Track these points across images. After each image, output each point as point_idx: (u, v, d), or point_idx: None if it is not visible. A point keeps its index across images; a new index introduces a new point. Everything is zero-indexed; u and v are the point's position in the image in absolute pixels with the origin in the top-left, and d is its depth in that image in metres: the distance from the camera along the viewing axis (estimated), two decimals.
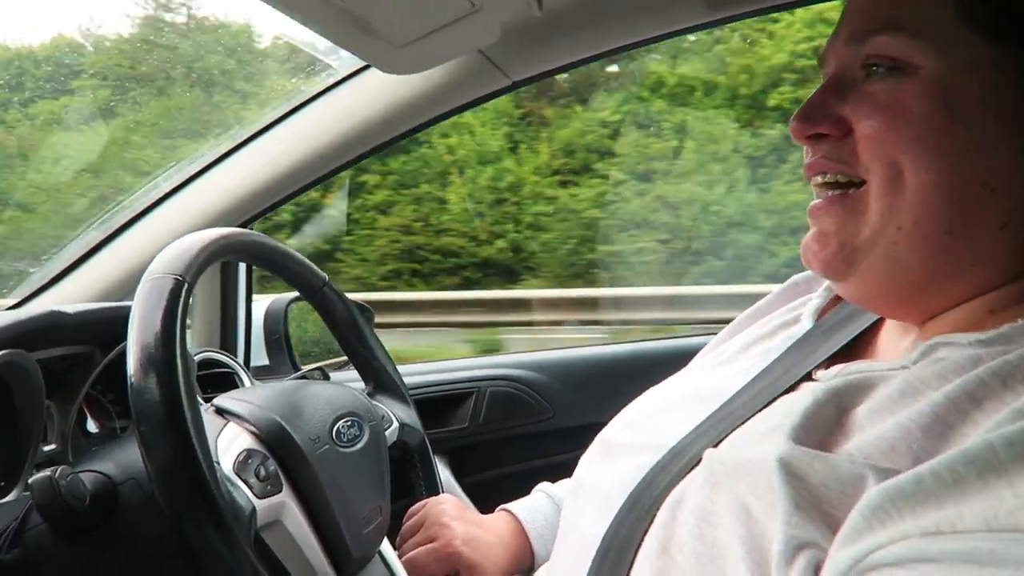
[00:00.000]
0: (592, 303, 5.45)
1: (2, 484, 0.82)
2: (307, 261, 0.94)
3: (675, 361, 0.82)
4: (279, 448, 0.75)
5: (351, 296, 1.00)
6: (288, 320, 1.50)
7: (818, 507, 0.43)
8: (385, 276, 5.66)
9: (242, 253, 0.85)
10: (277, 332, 1.49)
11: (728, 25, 1.20)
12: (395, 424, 0.96)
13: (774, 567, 0.42)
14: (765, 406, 0.58)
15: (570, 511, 0.69)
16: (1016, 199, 0.50)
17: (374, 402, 0.95)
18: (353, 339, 1.00)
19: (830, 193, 0.56)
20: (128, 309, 0.68)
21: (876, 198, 0.52)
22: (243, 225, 1.33)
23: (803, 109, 0.56)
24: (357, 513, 0.80)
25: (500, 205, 5.83)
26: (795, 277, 0.78)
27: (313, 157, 1.27)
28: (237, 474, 0.70)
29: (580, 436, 0.74)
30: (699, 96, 5.49)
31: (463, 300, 5.58)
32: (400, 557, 0.87)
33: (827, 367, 0.60)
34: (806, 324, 0.69)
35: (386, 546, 0.90)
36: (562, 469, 0.85)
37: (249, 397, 0.80)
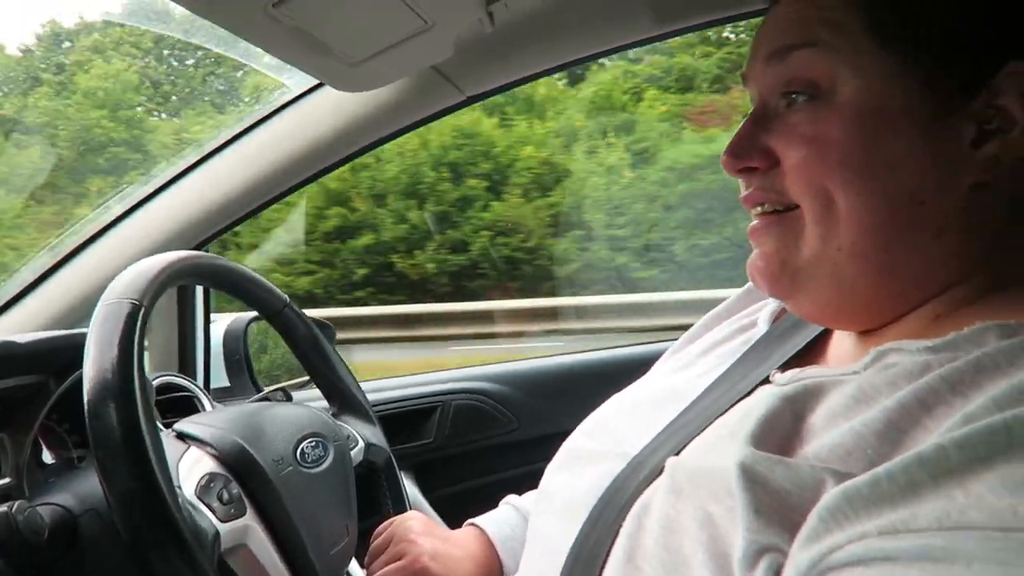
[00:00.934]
0: (552, 313, 5.47)
1: None
2: (266, 282, 0.93)
3: (637, 368, 0.83)
4: (242, 471, 0.74)
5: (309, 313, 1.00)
6: (248, 340, 1.48)
7: (779, 511, 0.44)
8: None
9: (199, 276, 0.85)
10: (237, 353, 1.47)
11: None
12: (360, 443, 0.96)
13: (736, 571, 0.43)
14: (724, 412, 0.59)
15: (536, 521, 0.70)
16: (944, 207, 0.51)
17: (338, 422, 0.95)
18: (315, 359, 0.99)
19: (766, 216, 0.57)
20: (82, 336, 0.67)
21: (811, 223, 0.54)
22: (199, 246, 1.31)
23: (732, 144, 0.57)
24: (323, 534, 0.79)
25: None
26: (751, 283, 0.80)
27: (268, 176, 1.26)
28: (199, 498, 0.69)
29: (546, 446, 0.75)
30: None
31: (423, 314, 5.58)
32: None
33: (783, 371, 0.61)
34: (762, 328, 0.70)
35: (354, 566, 0.89)
36: (529, 479, 0.85)
37: (210, 420, 0.79)
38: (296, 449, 0.81)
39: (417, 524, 0.88)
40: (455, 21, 0.91)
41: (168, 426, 0.80)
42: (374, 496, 1.02)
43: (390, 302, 5.75)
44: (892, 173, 0.51)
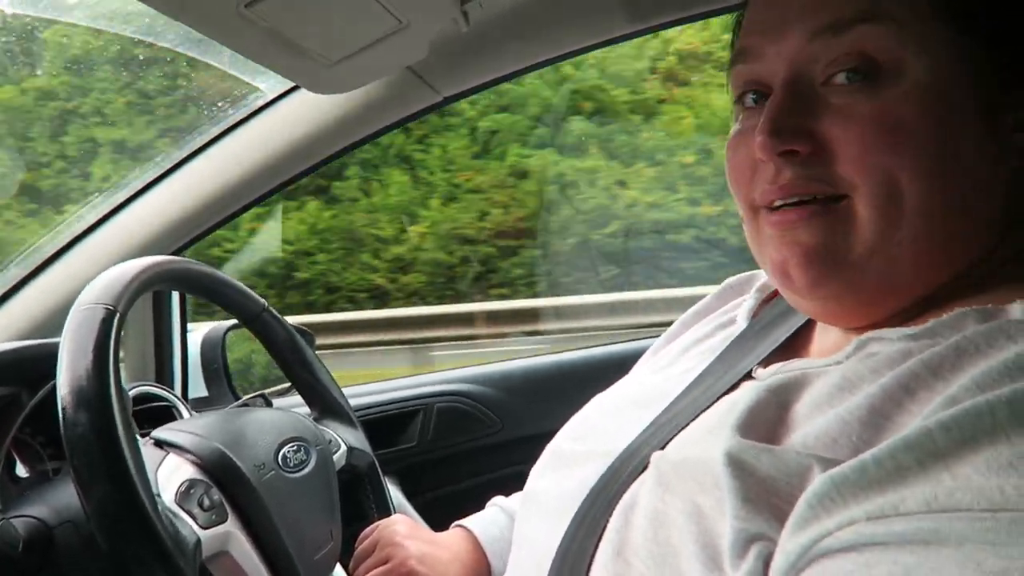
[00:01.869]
0: (533, 314, 5.48)
1: None
2: (244, 287, 0.92)
3: (619, 365, 0.83)
4: (223, 476, 0.73)
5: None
6: (226, 349, 1.47)
7: (766, 499, 0.44)
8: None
9: (175, 281, 0.84)
10: (215, 362, 1.45)
11: None
12: (343, 447, 0.95)
13: (726, 561, 0.43)
14: (708, 406, 0.59)
15: (522, 524, 0.69)
16: (994, 196, 0.50)
17: (320, 426, 0.94)
18: (295, 364, 0.98)
19: (806, 206, 0.52)
20: (54, 345, 0.66)
21: (869, 215, 0.49)
22: (176, 253, 1.30)
23: (772, 120, 0.51)
24: (307, 539, 0.78)
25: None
26: (729, 280, 0.80)
27: (245, 181, 1.25)
28: (180, 505, 0.68)
29: (531, 446, 0.75)
30: None
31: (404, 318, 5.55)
32: None
33: (765, 366, 0.61)
34: (741, 324, 0.70)
35: (339, 571, 0.88)
36: (515, 481, 0.85)
37: (189, 427, 0.78)
38: (278, 454, 0.80)
39: (403, 528, 0.87)
40: (430, 21, 0.91)
41: (145, 435, 0.79)
42: (358, 500, 1.01)
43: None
44: (958, 159, 0.49)
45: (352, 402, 1.04)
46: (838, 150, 0.50)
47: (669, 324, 0.83)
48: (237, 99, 1.25)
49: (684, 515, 0.48)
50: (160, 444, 0.76)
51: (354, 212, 5.73)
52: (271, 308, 0.96)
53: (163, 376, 1.43)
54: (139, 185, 1.27)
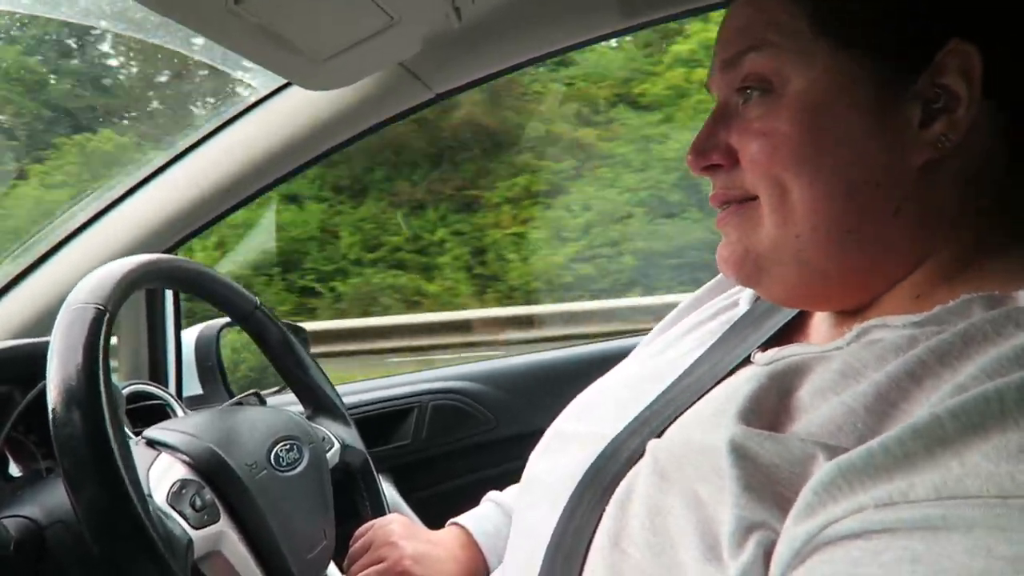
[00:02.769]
0: (527, 320, 5.49)
1: None
2: (236, 285, 0.92)
3: (615, 361, 0.82)
4: (214, 476, 0.73)
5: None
6: (220, 347, 1.46)
7: (769, 488, 0.44)
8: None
9: (166, 279, 0.83)
10: (210, 360, 1.45)
11: None
12: (336, 445, 0.95)
13: (725, 549, 0.43)
14: (705, 392, 0.59)
15: (521, 507, 0.69)
16: (898, 186, 0.52)
17: (314, 424, 0.94)
18: (289, 362, 0.98)
19: (728, 206, 0.59)
20: (46, 344, 0.65)
21: (768, 213, 0.55)
22: (168, 251, 1.29)
23: (695, 142, 0.60)
24: (300, 538, 0.78)
25: None
26: None
27: (237, 178, 1.24)
28: (171, 505, 0.68)
29: (525, 443, 0.74)
30: None
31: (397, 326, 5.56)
32: None
33: (763, 351, 0.61)
34: (744, 307, 0.71)
35: (333, 570, 0.88)
36: (509, 478, 0.85)
37: (180, 426, 0.77)
38: (270, 452, 0.80)
39: (398, 527, 0.87)
40: (421, 17, 0.91)
41: (138, 434, 0.79)
42: (352, 499, 1.01)
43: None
44: (842, 162, 0.53)
45: (346, 400, 1.04)
46: (741, 159, 0.57)
47: None
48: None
49: (682, 504, 0.47)
50: (152, 444, 0.76)
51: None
52: (263, 306, 0.95)
53: (157, 374, 1.42)
54: (131, 183, 1.27)
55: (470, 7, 0.95)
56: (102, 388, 0.62)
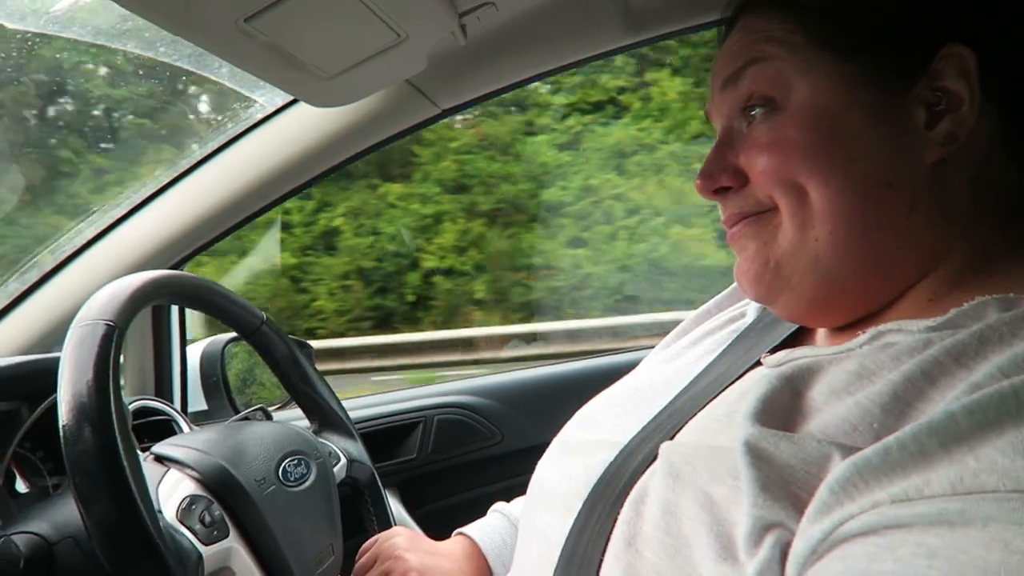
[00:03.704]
0: (531, 337, 5.49)
1: None
2: (243, 300, 0.92)
3: (619, 376, 0.82)
4: (224, 492, 0.73)
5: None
6: (225, 362, 1.46)
7: (784, 487, 0.44)
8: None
9: (174, 295, 0.83)
10: (215, 375, 1.45)
11: None
12: (343, 460, 0.95)
13: (741, 549, 0.43)
14: (716, 395, 0.60)
15: (529, 516, 0.69)
16: (911, 186, 0.53)
17: (320, 439, 0.94)
18: (295, 377, 0.98)
19: (743, 220, 0.60)
20: (54, 360, 0.66)
21: (787, 217, 0.56)
22: (174, 266, 1.30)
23: (703, 168, 0.60)
24: (308, 553, 0.78)
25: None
26: None
27: (244, 194, 1.25)
28: (181, 521, 0.68)
29: (531, 458, 0.74)
30: None
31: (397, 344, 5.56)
32: None
33: (772, 355, 0.61)
34: (750, 317, 0.71)
35: None
36: (515, 492, 0.85)
37: (189, 442, 0.78)
38: (278, 468, 0.80)
39: (403, 540, 0.87)
40: (428, 34, 0.91)
41: (146, 450, 0.79)
42: (358, 513, 1.01)
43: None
44: (853, 162, 0.54)
45: (352, 414, 1.04)
46: (752, 175, 0.58)
47: None
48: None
49: (696, 505, 0.48)
50: (161, 460, 0.76)
51: None
52: (270, 321, 0.96)
53: (163, 390, 1.42)
54: (138, 199, 1.27)
55: (476, 24, 0.96)
56: (112, 405, 0.63)
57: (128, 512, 0.59)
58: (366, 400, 1.63)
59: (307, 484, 0.82)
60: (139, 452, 0.70)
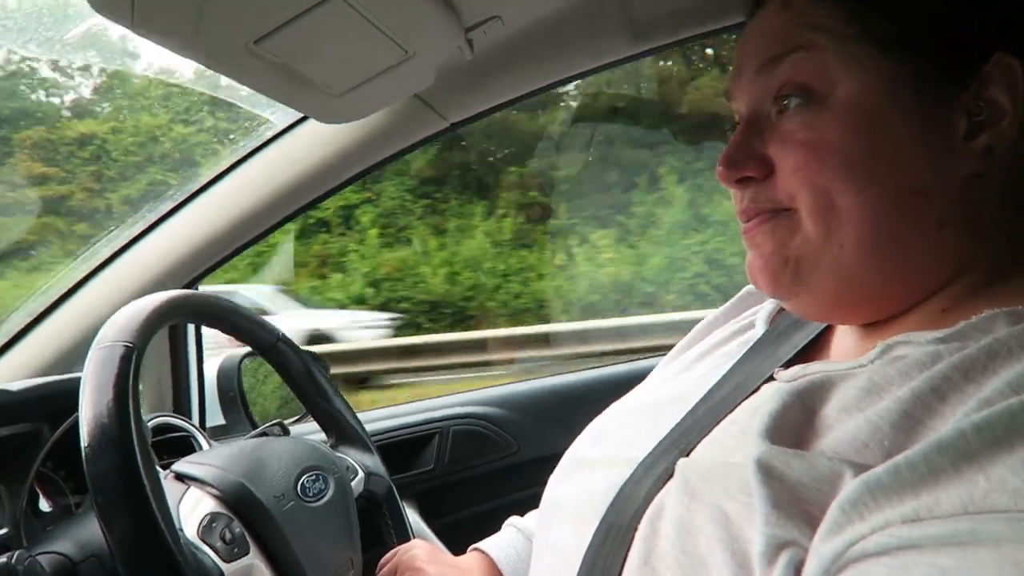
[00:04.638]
0: (543, 339, 5.50)
1: None
2: (259, 317, 0.93)
3: (634, 384, 0.82)
4: (243, 509, 0.73)
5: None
6: (242, 376, 1.47)
7: (796, 505, 0.44)
8: None
9: (192, 315, 0.84)
10: (231, 390, 1.46)
11: None
12: (360, 474, 0.95)
13: (756, 567, 0.43)
14: (730, 411, 0.59)
15: (545, 531, 0.69)
16: (946, 199, 0.52)
17: (337, 453, 0.94)
18: (311, 391, 0.99)
19: (759, 216, 0.57)
20: (74, 381, 0.67)
21: (810, 224, 0.54)
22: (190, 284, 1.31)
23: (727, 153, 0.57)
24: (328, 568, 0.79)
25: None
26: (748, 287, 0.79)
27: (256, 211, 1.26)
28: (202, 539, 0.69)
29: (547, 467, 0.74)
30: None
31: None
32: None
33: (786, 368, 0.61)
34: (760, 329, 0.70)
35: None
36: (532, 502, 0.85)
37: (209, 459, 0.78)
38: (297, 484, 0.80)
39: (422, 553, 0.87)
40: (435, 50, 0.92)
41: (166, 467, 0.80)
42: (377, 527, 1.01)
43: None
44: (892, 169, 0.52)
45: (368, 427, 1.04)
46: (779, 170, 0.55)
47: None
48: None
49: (711, 522, 0.47)
50: (181, 477, 0.77)
51: None
52: (286, 337, 0.96)
53: (181, 406, 1.44)
54: (153, 218, 1.29)
55: (482, 38, 0.97)
56: (133, 424, 0.63)
57: (149, 531, 0.60)
58: (381, 412, 1.63)
59: (326, 499, 0.83)
60: (159, 470, 0.70)
